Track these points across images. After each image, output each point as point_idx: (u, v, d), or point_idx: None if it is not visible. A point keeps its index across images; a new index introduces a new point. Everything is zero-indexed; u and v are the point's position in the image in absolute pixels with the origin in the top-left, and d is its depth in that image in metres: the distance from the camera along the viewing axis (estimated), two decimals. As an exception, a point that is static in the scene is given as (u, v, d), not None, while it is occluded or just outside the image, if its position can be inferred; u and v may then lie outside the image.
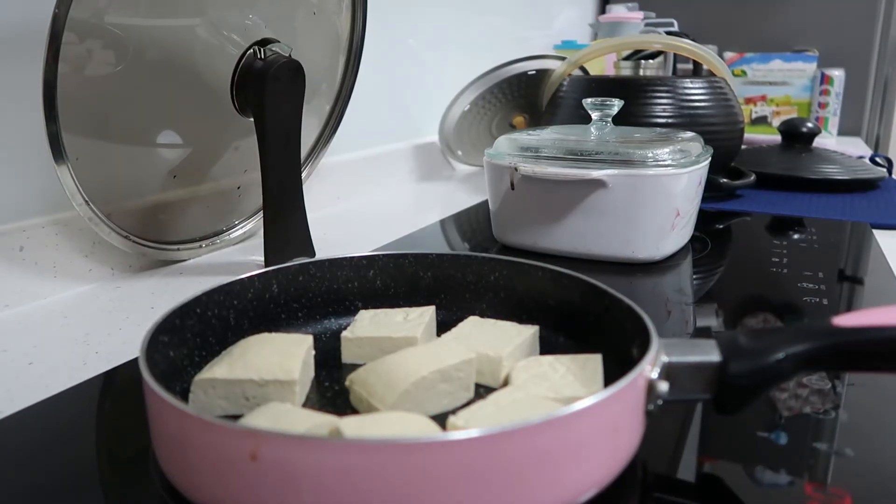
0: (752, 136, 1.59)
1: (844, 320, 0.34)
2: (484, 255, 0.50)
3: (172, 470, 0.32)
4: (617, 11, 1.63)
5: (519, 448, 0.28)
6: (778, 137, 1.16)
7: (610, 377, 0.39)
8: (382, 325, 0.46)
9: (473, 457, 0.27)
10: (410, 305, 0.50)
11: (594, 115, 0.74)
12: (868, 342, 0.34)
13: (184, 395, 0.39)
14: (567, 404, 0.29)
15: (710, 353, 0.34)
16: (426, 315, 0.47)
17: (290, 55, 0.64)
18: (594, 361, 0.41)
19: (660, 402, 0.33)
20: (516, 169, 0.69)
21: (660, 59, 1.31)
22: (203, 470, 0.29)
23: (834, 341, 0.34)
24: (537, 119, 1.14)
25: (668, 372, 0.33)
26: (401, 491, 0.27)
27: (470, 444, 0.27)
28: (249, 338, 0.42)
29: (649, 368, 0.33)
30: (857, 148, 1.56)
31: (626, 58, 1.32)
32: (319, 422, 0.33)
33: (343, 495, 0.27)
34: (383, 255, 0.50)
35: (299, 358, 0.40)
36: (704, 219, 0.86)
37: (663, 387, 0.33)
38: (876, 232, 0.81)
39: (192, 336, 0.41)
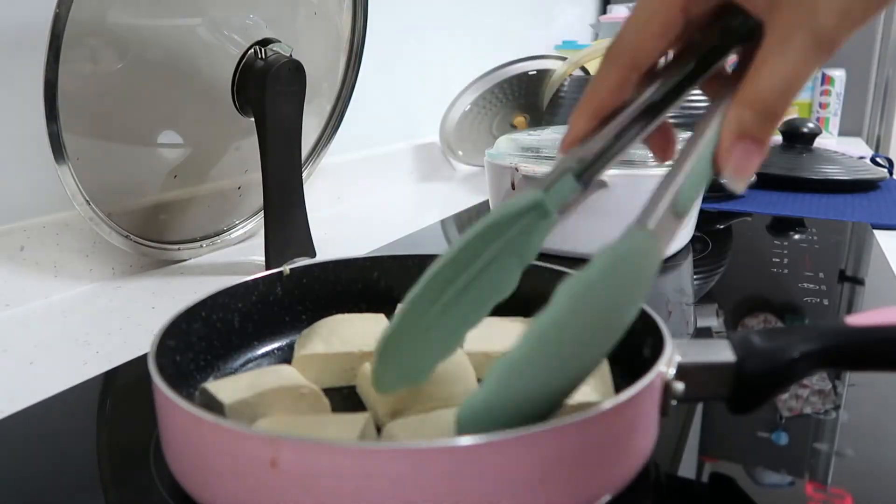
0: (753, 136, 1.58)
1: (858, 319, 0.34)
2: None
3: (186, 475, 0.32)
4: (618, 12, 1.63)
5: (541, 452, 0.28)
6: (779, 138, 1.15)
7: (617, 378, 0.39)
8: None
9: (496, 461, 0.27)
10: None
11: (595, 116, 0.74)
12: (882, 341, 0.34)
13: (191, 398, 0.39)
14: (581, 409, 0.29)
15: (723, 354, 0.34)
16: None
17: (290, 55, 0.64)
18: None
19: (674, 402, 0.33)
20: (517, 169, 0.69)
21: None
22: (220, 476, 0.29)
23: (848, 341, 0.34)
24: (538, 119, 1.14)
25: (682, 372, 0.33)
26: (422, 496, 0.27)
27: (493, 448, 0.27)
28: (328, 318, 0.45)
29: (665, 369, 0.33)
30: (857, 148, 1.56)
31: (627, 58, 1.31)
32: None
33: (365, 502, 0.27)
34: (388, 256, 0.50)
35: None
36: (705, 219, 0.86)
37: (679, 387, 0.33)
38: (877, 232, 0.81)
39: (198, 340, 0.41)
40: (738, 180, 0.30)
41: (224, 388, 0.36)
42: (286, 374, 0.38)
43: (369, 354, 0.42)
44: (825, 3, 0.27)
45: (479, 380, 0.41)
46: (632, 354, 0.40)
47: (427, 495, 0.27)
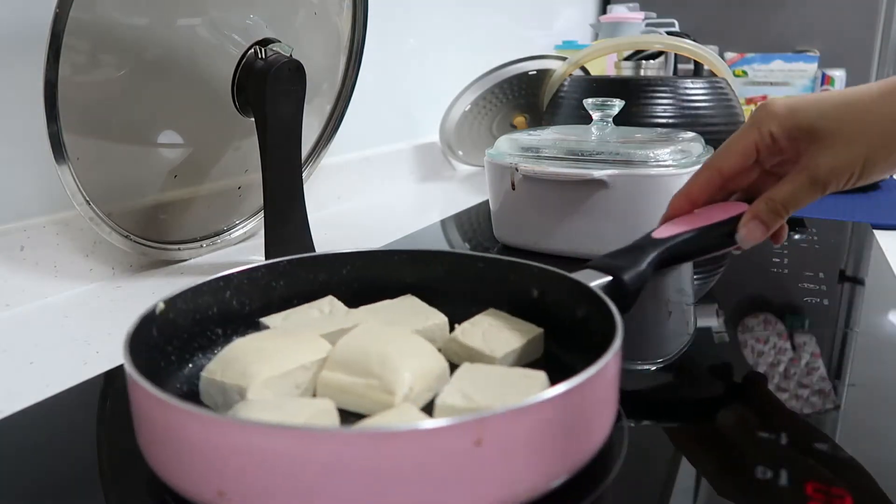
0: (753, 136, 1.58)
1: (662, 233, 0.49)
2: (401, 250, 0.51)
3: (163, 466, 0.32)
4: (618, 11, 1.63)
5: (516, 428, 0.29)
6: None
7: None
8: (312, 322, 0.46)
9: (449, 445, 0.28)
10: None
11: (595, 116, 0.74)
12: (683, 243, 0.49)
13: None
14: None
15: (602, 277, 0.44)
16: (335, 304, 0.48)
17: (290, 55, 0.64)
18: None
19: None
20: (517, 169, 0.69)
21: (661, 59, 1.31)
22: (195, 464, 0.29)
23: (665, 247, 0.48)
24: (538, 119, 1.14)
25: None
26: (385, 478, 0.27)
27: (450, 432, 0.27)
28: (239, 340, 0.41)
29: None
30: (858, 148, 1.55)
31: (627, 58, 1.31)
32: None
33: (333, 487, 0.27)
34: (287, 261, 0.49)
35: (319, 336, 0.42)
36: (705, 219, 0.86)
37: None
38: (877, 232, 0.81)
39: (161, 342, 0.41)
40: (745, 242, 0.50)
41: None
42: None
43: (320, 362, 0.40)
44: (823, 162, 0.47)
45: (455, 365, 0.41)
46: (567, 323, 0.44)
47: (390, 477, 0.27)
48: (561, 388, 0.30)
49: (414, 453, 0.27)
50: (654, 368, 0.47)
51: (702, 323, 0.56)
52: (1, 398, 0.43)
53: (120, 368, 0.47)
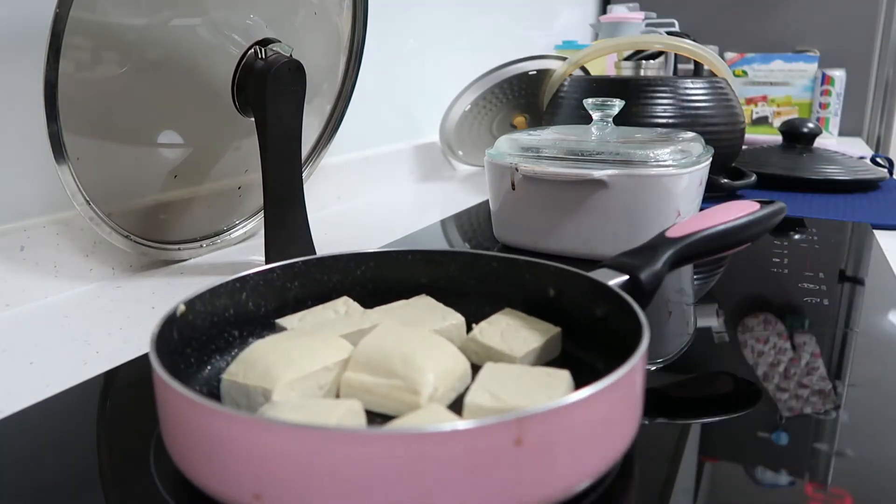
0: (753, 136, 1.59)
1: (675, 232, 0.50)
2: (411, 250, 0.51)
3: (195, 468, 0.31)
4: (618, 12, 1.63)
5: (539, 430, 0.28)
6: (779, 138, 1.15)
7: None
8: (328, 323, 0.45)
9: (465, 447, 0.27)
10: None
11: (595, 116, 0.74)
12: (697, 242, 0.50)
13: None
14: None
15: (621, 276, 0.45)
16: (351, 304, 0.48)
17: (290, 55, 0.64)
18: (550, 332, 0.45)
19: None
20: (517, 169, 0.69)
21: (661, 59, 1.31)
22: (231, 466, 0.29)
23: (679, 246, 0.49)
24: (538, 119, 1.14)
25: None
26: (420, 481, 0.27)
27: (466, 435, 0.27)
28: (259, 342, 0.40)
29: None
30: (857, 148, 1.56)
31: (627, 58, 1.32)
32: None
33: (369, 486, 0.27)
34: (302, 261, 0.49)
35: (339, 337, 0.41)
36: (705, 219, 0.86)
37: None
38: (877, 232, 0.81)
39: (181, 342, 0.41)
40: None
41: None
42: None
43: (341, 363, 0.40)
44: None
45: (473, 365, 0.42)
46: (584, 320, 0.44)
47: (430, 477, 0.27)
48: (598, 386, 0.30)
49: (455, 453, 0.27)
50: (653, 368, 0.47)
51: (702, 323, 0.56)
52: (1, 398, 0.43)
53: (119, 369, 0.47)
